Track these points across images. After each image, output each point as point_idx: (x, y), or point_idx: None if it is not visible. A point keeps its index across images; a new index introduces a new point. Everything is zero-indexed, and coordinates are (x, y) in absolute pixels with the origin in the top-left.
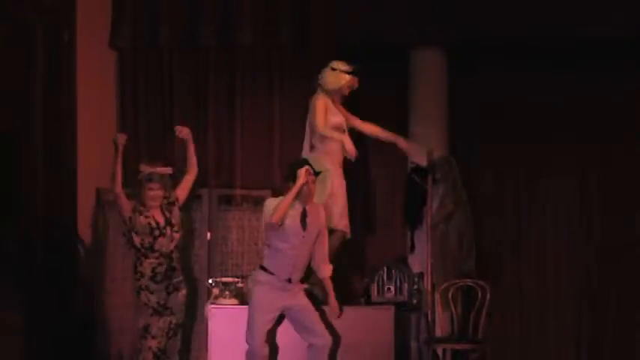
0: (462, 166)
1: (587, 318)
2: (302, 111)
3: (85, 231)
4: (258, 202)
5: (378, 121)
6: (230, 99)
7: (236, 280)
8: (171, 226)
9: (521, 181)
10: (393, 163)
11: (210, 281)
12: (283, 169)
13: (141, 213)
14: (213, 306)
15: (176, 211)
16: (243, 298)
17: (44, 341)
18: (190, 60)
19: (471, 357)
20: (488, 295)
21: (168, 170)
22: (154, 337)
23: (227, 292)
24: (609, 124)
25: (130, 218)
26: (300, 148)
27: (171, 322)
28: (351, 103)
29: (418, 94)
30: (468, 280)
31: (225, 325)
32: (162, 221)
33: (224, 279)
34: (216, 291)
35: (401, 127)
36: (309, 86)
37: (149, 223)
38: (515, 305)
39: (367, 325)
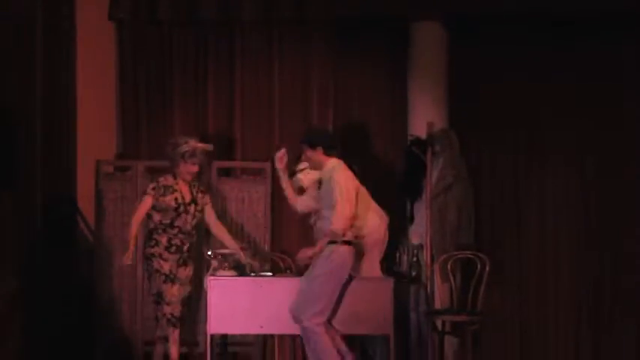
0: (461, 139)
1: (587, 289)
2: (301, 84)
3: (84, 203)
4: (258, 174)
5: (377, 98)
6: (230, 72)
7: (234, 252)
8: (196, 204)
9: (520, 154)
10: (391, 135)
11: (209, 253)
12: (282, 140)
13: (164, 195)
14: (212, 278)
15: (203, 199)
16: (242, 270)
17: (43, 313)
18: (190, 34)
19: (469, 329)
20: (487, 267)
21: (210, 147)
22: (168, 304)
23: (226, 264)
24: (608, 100)
25: (154, 206)
26: (300, 120)
27: (182, 292)
28: (350, 80)
29: (418, 70)
30: (467, 251)
31: (224, 297)
32: (188, 198)
33: (223, 251)
34: (215, 263)
35: (400, 102)
36: (309, 60)
37: (175, 199)
38: (514, 277)
39: (366, 296)
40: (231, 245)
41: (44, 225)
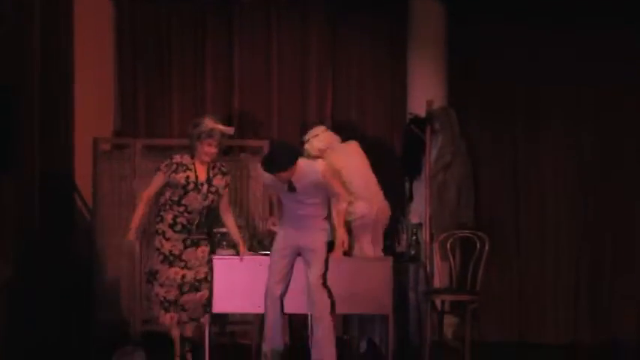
0: (460, 117)
1: (586, 268)
2: (299, 63)
3: (81, 181)
4: (256, 152)
5: (376, 76)
6: (228, 50)
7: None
8: (210, 185)
9: (519, 132)
10: (391, 113)
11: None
12: (281, 119)
13: (176, 172)
14: (214, 256)
15: (222, 180)
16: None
17: (42, 291)
18: (188, 12)
19: (469, 308)
20: (486, 246)
21: (230, 130)
22: (161, 285)
23: (224, 243)
24: (608, 78)
25: (167, 182)
26: (297, 100)
27: (184, 276)
28: (350, 57)
29: (417, 47)
30: (467, 230)
31: (227, 275)
32: (203, 178)
33: (221, 230)
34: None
35: (399, 80)
36: (307, 37)
37: (187, 177)
38: (513, 256)
39: (365, 276)
40: (233, 234)
41: (41, 203)
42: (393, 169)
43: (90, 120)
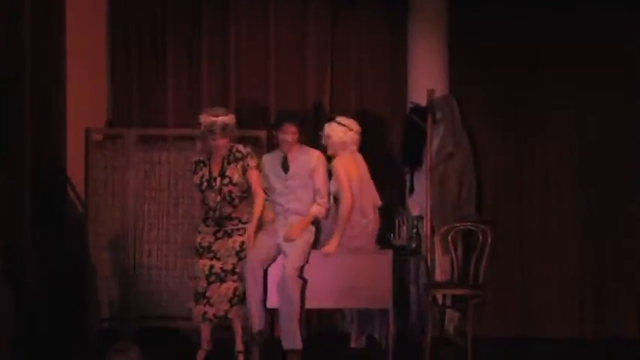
0: (463, 107)
1: (590, 261)
2: (297, 50)
3: (73, 172)
4: (255, 143)
5: (376, 63)
6: (224, 32)
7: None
8: (223, 177)
9: (522, 121)
10: (391, 102)
11: None
12: (279, 106)
13: (196, 171)
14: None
15: (237, 166)
16: None
17: (33, 283)
18: None
19: (471, 302)
20: (489, 239)
21: (230, 119)
22: (195, 278)
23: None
24: (610, 62)
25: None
26: (295, 88)
27: (212, 267)
28: (349, 44)
29: (418, 33)
30: (469, 222)
31: None
32: (216, 172)
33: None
34: None
35: (399, 68)
36: (305, 24)
37: (201, 176)
38: (517, 248)
39: (365, 269)
40: (255, 215)
41: (33, 195)
42: (393, 160)
43: (82, 110)
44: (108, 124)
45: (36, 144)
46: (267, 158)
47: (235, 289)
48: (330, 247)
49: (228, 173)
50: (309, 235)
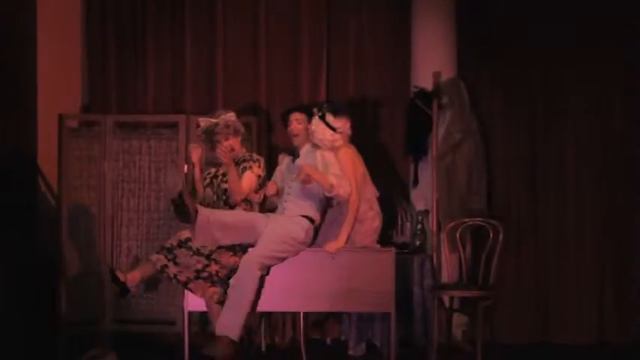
0: (472, 91)
1: (611, 261)
2: (290, 29)
3: (45, 163)
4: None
5: (376, 44)
6: (210, 13)
7: None
8: (224, 175)
9: (537, 107)
10: (393, 86)
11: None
12: (271, 92)
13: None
14: None
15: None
16: None
17: (4, 279)
18: None
19: (481, 305)
20: (501, 236)
21: (230, 117)
22: (175, 265)
23: None
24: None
25: None
26: (288, 72)
27: (188, 239)
28: (346, 23)
29: (422, 10)
30: (478, 218)
31: None
32: (222, 171)
33: None
34: None
35: (403, 49)
36: (297, 5)
37: (209, 173)
38: (531, 246)
39: (365, 269)
40: None
41: (1, 186)
42: (396, 150)
43: (55, 94)
44: (83, 110)
45: (3, 131)
46: (284, 156)
47: (211, 272)
48: (337, 243)
49: (220, 175)
50: (293, 227)
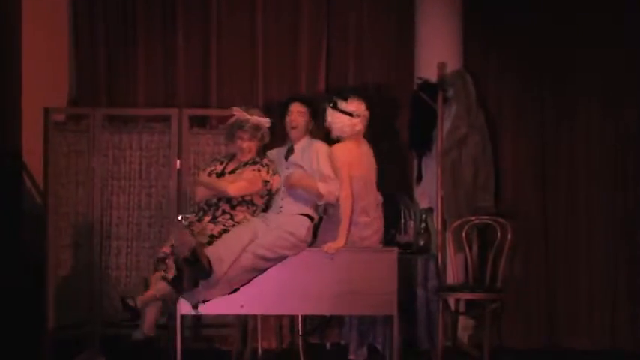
0: (478, 82)
1: (624, 263)
2: (289, 18)
3: (31, 158)
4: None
5: (378, 35)
6: (204, 4)
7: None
8: (228, 174)
9: (546, 100)
10: (396, 78)
11: (179, 218)
12: (267, 83)
13: (206, 168)
14: None
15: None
16: None
17: None
18: None
19: (488, 308)
20: (509, 235)
21: (265, 122)
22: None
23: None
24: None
25: None
26: (286, 64)
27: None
28: (347, 11)
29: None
30: (485, 216)
31: None
32: (229, 170)
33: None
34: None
35: (407, 39)
36: None
37: (213, 169)
38: (540, 246)
39: (366, 270)
40: None
41: None
42: (399, 145)
43: (41, 86)
44: (71, 103)
45: None
46: (274, 152)
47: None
48: (336, 243)
49: (237, 172)
50: (293, 224)
